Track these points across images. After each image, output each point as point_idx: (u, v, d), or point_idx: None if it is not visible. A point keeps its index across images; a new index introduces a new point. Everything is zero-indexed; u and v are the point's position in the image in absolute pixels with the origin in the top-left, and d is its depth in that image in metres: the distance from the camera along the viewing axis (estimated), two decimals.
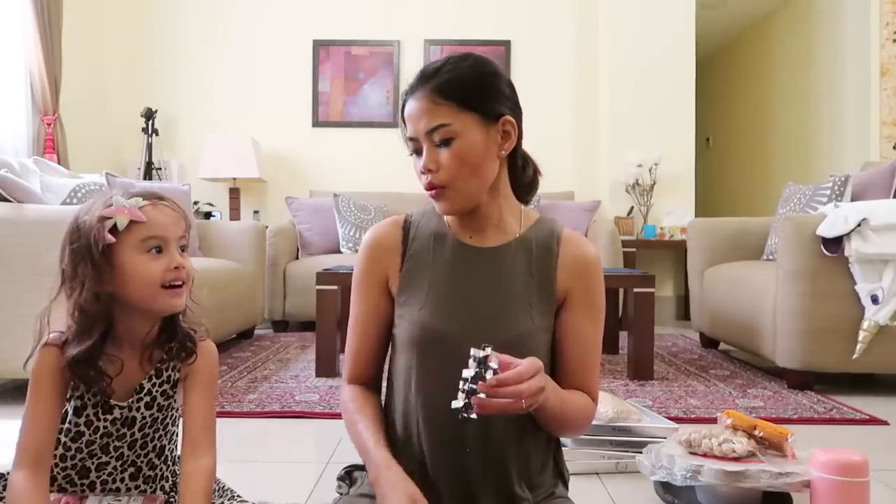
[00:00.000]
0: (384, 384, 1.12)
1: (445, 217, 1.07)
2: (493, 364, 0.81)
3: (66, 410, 1.00)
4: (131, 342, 1.02)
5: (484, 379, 0.80)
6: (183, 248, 1.03)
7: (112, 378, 0.99)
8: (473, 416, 0.81)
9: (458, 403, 0.81)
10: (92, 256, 0.95)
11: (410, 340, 1.02)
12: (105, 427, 1.01)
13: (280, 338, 3.69)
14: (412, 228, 1.08)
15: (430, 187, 0.99)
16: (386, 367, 1.11)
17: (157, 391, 1.04)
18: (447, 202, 1.00)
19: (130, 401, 1.02)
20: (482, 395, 0.80)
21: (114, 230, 0.95)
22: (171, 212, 1.02)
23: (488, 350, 0.82)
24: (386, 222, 1.09)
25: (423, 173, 1.00)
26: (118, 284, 0.97)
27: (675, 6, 4.54)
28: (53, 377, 0.97)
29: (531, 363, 0.86)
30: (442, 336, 1.00)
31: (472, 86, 0.98)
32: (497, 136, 1.00)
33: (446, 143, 0.97)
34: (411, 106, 0.99)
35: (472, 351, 0.82)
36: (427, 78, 0.99)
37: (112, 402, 1.01)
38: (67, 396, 1.00)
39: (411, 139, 1.01)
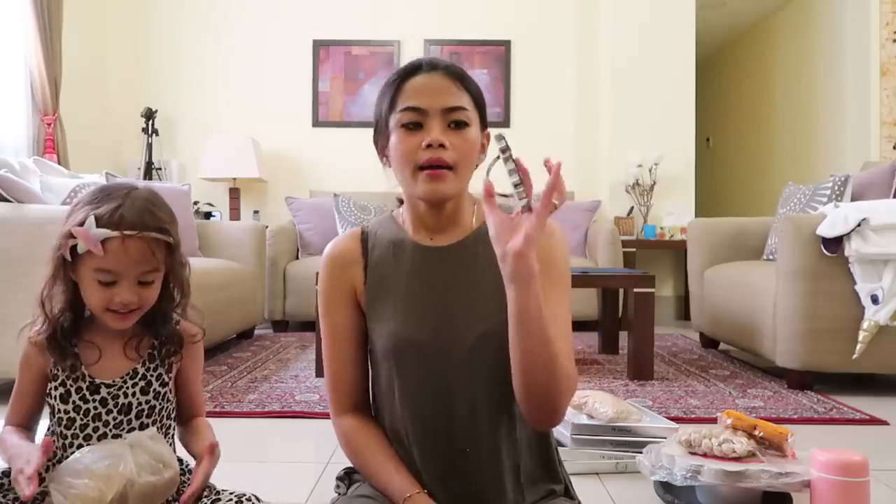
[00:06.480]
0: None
1: (402, 221, 1.06)
2: (509, 149, 0.86)
3: (54, 398, 1.02)
4: (112, 330, 1.04)
5: (515, 164, 0.85)
6: (145, 283, 1.00)
7: (77, 359, 1.02)
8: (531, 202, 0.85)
9: (518, 202, 0.85)
10: (62, 255, 0.99)
11: (385, 352, 1.01)
12: (95, 408, 1.02)
13: (280, 338, 3.69)
14: (370, 239, 1.06)
15: (437, 163, 0.95)
16: None
17: (152, 376, 1.05)
18: (446, 184, 0.96)
19: (121, 381, 1.03)
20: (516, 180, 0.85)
21: (75, 247, 0.98)
22: (136, 249, 0.97)
23: (503, 141, 0.86)
24: (343, 237, 1.09)
25: (429, 147, 0.94)
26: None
27: (675, 6, 4.54)
28: (31, 359, 1.04)
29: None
30: (416, 343, 0.99)
31: (480, 92, 1.03)
32: (479, 144, 1.02)
33: (459, 126, 0.97)
34: (427, 80, 0.97)
35: (497, 143, 0.87)
36: (444, 65, 1.00)
37: (97, 380, 1.02)
38: (49, 387, 1.03)
39: (414, 109, 0.96)
